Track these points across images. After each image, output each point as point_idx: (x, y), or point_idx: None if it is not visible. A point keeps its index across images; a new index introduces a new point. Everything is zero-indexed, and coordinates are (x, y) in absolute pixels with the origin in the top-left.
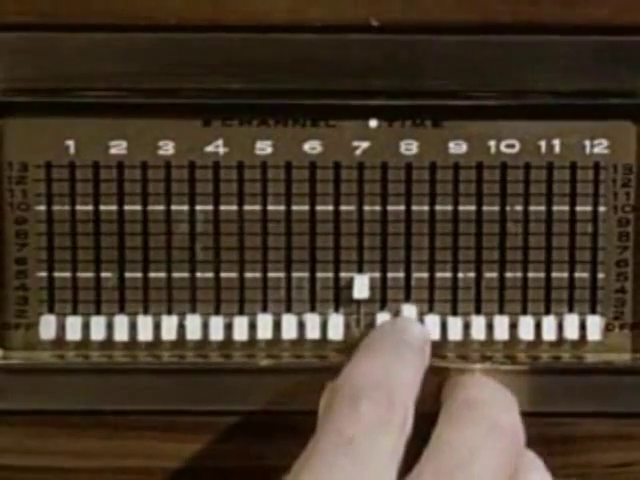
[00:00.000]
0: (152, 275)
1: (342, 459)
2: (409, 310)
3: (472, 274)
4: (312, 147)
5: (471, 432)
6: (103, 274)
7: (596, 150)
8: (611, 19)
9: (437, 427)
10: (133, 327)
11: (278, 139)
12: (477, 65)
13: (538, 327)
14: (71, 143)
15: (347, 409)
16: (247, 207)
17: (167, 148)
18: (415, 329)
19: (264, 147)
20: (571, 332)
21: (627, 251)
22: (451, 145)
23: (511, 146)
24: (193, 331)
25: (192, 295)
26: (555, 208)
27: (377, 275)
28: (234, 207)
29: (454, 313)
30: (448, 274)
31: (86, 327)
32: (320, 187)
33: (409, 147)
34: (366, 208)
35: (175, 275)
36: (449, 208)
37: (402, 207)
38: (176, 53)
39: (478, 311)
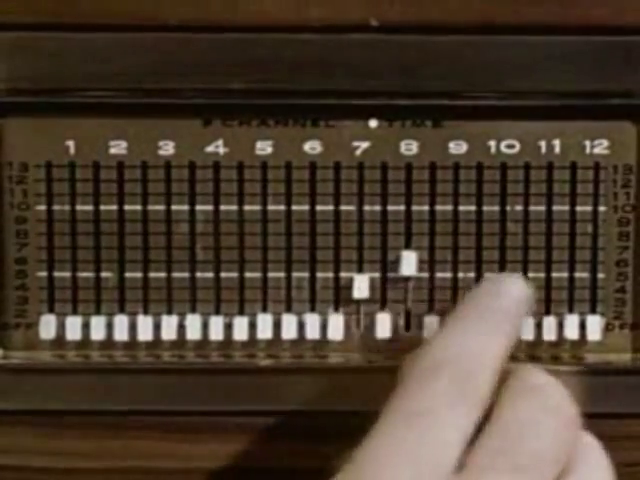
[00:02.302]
0: (152, 275)
1: (407, 432)
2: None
3: (472, 274)
4: (312, 147)
5: (533, 412)
6: (103, 274)
7: (596, 150)
8: (611, 19)
9: (498, 406)
10: (133, 327)
11: (278, 139)
12: (477, 65)
13: (538, 327)
14: (71, 143)
15: (421, 383)
16: (247, 207)
17: (167, 148)
18: (510, 291)
19: (264, 147)
20: (571, 332)
21: (627, 251)
22: (451, 145)
23: (511, 146)
24: (193, 331)
25: (192, 295)
26: (555, 208)
27: (377, 275)
28: (234, 207)
29: None
30: (448, 274)
31: (86, 327)
32: (320, 187)
33: (409, 147)
34: (366, 208)
35: (175, 275)
36: (449, 208)
37: (402, 207)
38: (176, 53)
39: None
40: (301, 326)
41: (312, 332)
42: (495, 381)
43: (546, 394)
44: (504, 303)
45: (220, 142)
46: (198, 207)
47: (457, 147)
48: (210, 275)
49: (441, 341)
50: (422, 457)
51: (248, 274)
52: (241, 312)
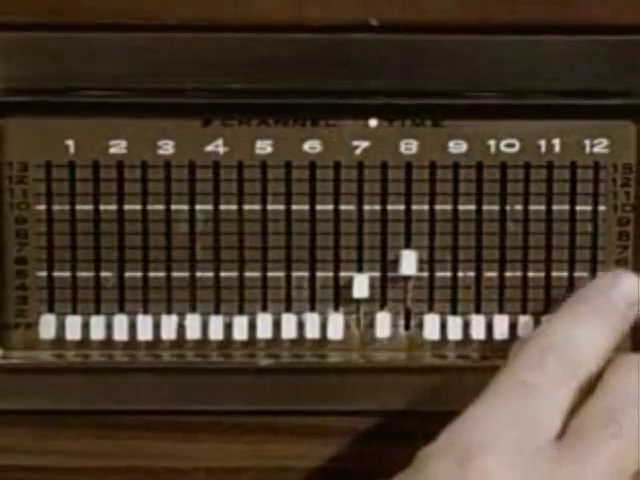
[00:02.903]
0: (152, 274)
1: (519, 398)
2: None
3: (472, 273)
4: (312, 146)
5: (635, 381)
6: (103, 273)
7: (596, 149)
8: (611, 19)
9: (605, 374)
10: (133, 327)
11: (278, 139)
12: (477, 65)
13: (538, 326)
14: (71, 143)
15: (533, 360)
16: (247, 207)
17: (167, 148)
18: (622, 286)
19: (264, 147)
20: None
21: (627, 250)
22: (451, 144)
23: (511, 145)
24: (193, 331)
25: (192, 294)
26: (555, 207)
27: (377, 275)
28: (234, 207)
29: (454, 312)
30: (448, 273)
31: (86, 327)
32: (320, 187)
33: (409, 146)
34: (366, 208)
35: (175, 274)
36: (449, 207)
37: (402, 206)
38: (176, 53)
39: (478, 310)
40: (301, 326)
41: (312, 332)
42: (597, 369)
43: None
44: (615, 298)
45: (220, 142)
46: (198, 207)
47: (457, 147)
48: (210, 275)
49: (550, 328)
50: (521, 422)
51: (248, 274)
52: (241, 312)
